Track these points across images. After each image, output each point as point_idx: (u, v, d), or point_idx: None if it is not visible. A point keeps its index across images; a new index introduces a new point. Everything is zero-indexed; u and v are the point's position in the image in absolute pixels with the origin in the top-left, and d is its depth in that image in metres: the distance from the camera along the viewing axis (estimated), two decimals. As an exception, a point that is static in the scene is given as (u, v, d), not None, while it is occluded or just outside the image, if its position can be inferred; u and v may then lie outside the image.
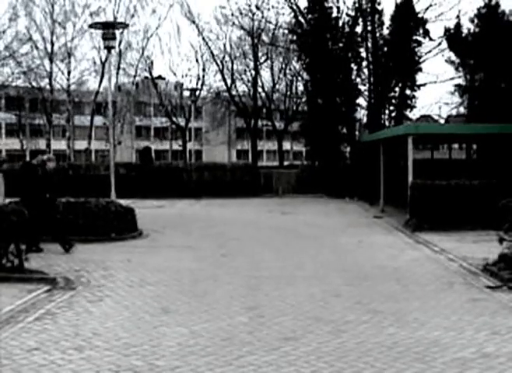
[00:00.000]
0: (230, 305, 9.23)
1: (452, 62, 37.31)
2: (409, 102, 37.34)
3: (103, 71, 44.17)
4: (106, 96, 30.06)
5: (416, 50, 36.84)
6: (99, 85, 47.36)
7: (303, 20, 39.04)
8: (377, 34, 37.18)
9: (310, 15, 38.06)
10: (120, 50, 45.82)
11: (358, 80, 38.28)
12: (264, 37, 48.34)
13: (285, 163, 54.44)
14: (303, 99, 46.77)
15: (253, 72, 49.30)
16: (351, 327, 7.99)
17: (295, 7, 39.46)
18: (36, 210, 14.17)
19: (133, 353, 6.93)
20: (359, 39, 37.85)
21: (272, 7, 45.62)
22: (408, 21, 35.98)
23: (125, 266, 12.65)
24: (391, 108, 37.85)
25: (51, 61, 45.98)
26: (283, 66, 50.93)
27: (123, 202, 18.08)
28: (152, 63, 50.33)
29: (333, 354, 6.88)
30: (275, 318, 8.43)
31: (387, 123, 37.34)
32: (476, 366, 6.51)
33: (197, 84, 50.90)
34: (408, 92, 37.19)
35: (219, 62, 49.15)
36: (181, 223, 21.35)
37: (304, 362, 6.63)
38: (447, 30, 35.98)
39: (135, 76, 49.77)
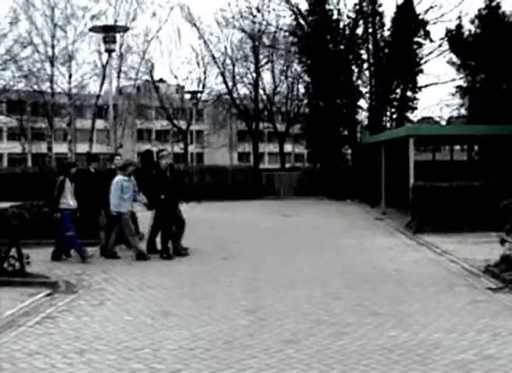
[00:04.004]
0: (231, 307, 9.23)
1: (453, 63, 37.26)
2: (410, 103, 37.36)
3: (104, 74, 44.20)
4: (107, 100, 30.08)
5: (417, 51, 36.85)
6: (101, 89, 47.40)
7: (303, 22, 39.06)
8: (378, 36, 37.18)
9: (310, 18, 38.09)
10: (121, 54, 45.83)
11: (359, 82, 38.37)
12: (265, 40, 48.27)
13: (287, 165, 54.39)
14: (305, 102, 46.74)
15: (254, 75, 49.29)
16: (352, 330, 7.99)
17: (295, 9, 39.48)
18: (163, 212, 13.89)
19: (134, 357, 6.94)
20: (360, 41, 37.84)
21: (273, 9, 45.55)
22: (409, 23, 35.98)
23: (126, 269, 12.66)
24: (392, 110, 37.85)
25: (52, 64, 46.00)
26: (284, 68, 50.88)
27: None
28: (153, 66, 50.29)
29: (334, 357, 6.88)
30: (276, 321, 8.43)
31: (388, 125, 37.33)
32: (477, 368, 6.51)
33: (198, 87, 50.87)
34: (409, 93, 37.20)
35: (220, 65, 49.15)
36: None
37: (305, 365, 6.63)
38: (448, 32, 35.93)
39: (135, 79, 49.76)
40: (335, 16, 37.45)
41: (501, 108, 29.53)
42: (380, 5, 37.00)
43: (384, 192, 26.44)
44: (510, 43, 30.87)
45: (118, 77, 46.73)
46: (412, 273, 12.12)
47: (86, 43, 61.40)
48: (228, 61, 49.44)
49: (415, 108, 37.81)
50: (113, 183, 13.93)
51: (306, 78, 41.70)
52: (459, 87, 37.48)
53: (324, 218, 23.93)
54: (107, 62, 29.40)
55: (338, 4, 37.52)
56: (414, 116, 39.56)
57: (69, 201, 13.43)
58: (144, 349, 7.22)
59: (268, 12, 45.66)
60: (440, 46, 37.43)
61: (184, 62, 73.99)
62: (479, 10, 34.56)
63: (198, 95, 49.72)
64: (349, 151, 39.31)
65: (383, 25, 37.14)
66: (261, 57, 49.28)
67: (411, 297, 9.96)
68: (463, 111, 40.33)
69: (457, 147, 40.73)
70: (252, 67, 49.35)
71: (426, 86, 38.53)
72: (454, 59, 36.73)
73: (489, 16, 33.86)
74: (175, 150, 64.43)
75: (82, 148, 51.93)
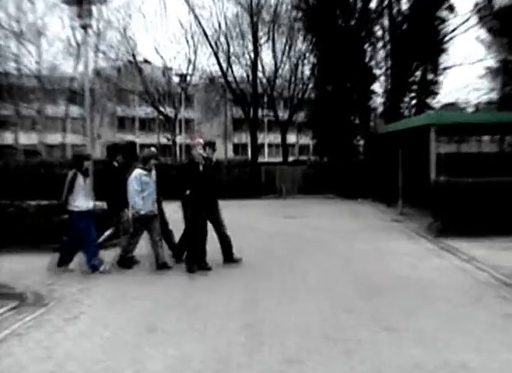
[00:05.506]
0: (226, 321, 9.24)
1: (482, 41, 37.41)
2: (432, 88, 37.40)
3: (79, 53, 44.24)
4: (82, 83, 30.10)
5: (440, 27, 36.88)
6: (75, 70, 47.45)
7: (309, -6, 39.12)
8: (395, 10, 37.22)
9: (317, -11, 38.13)
10: (98, 30, 45.90)
11: (373, 63, 38.38)
12: (264, 15, 48.38)
13: (290, 159, 54.53)
14: (310, 86, 46.79)
15: (252, 55, 49.36)
16: (364, 347, 7.99)
17: (300, -21, 39.57)
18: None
19: (113, 379, 6.94)
20: (374, 15, 37.89)
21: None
22: (431, -6, 36.04)
23: (106, 277, 12.64)
24: (411, 95, 37.90)
25: (19, 41, 46.02)
26: (287, 47, 50.97)
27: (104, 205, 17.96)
28: (135, 45, 50.48)
29: (344, 379, 6.89)
30: (277, 337, 8.44)
31: (406, 113, 37.38)
32: (509, 392, 6.52)
33: (187, 68, 51.01)
34: (430, 76, 37.26)
35: (212, 43, 49.19)
36: (172, 229, 21.27)
37: (311, 388, 6.63)
38: (476, 4, 36.00)
39: (115, 60, 49.82)
40: (346, -13, 37.52)
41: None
42: (398, -26, 37.09)
43: (401, 189, 26.45)
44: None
45: (95, 57, 46.78)
46: (434, 282, 12.13)
47: (58, 17, 61.33)
48: (222, 39, 49.50)
49: (438, 93, 37.87)
50: (130, 180, 13.32)
51: (312, 59, 41.75)
52: (489, 68, 37.57)
53: (333, 220, 23.95)
54: (83, 40, 29.38)
55: (349, -28, 37.61)
56: (436, 102, 39.58)
57: (80, 201, 12.81)
58: (125, 370, 7.22)
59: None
60: (466, 20, 37.52)
61: (172, 40, 74.20)
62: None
63: (188, 78, 49.79)
64: (361, 142, 39.36)
65: (400, -4, 37.21)
66: (259, 34, 49.32)
67: (432, 310, 9.97)
68: (493, 96, 40.40)
69: (487, 137, 40.78)
70: (250, 46, 49.41)
71: (451, 67, 38.62)
72: (484, 36, 36.84)
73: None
74: (161, 141, 64.57)
75: (54, 138, 51.96)
